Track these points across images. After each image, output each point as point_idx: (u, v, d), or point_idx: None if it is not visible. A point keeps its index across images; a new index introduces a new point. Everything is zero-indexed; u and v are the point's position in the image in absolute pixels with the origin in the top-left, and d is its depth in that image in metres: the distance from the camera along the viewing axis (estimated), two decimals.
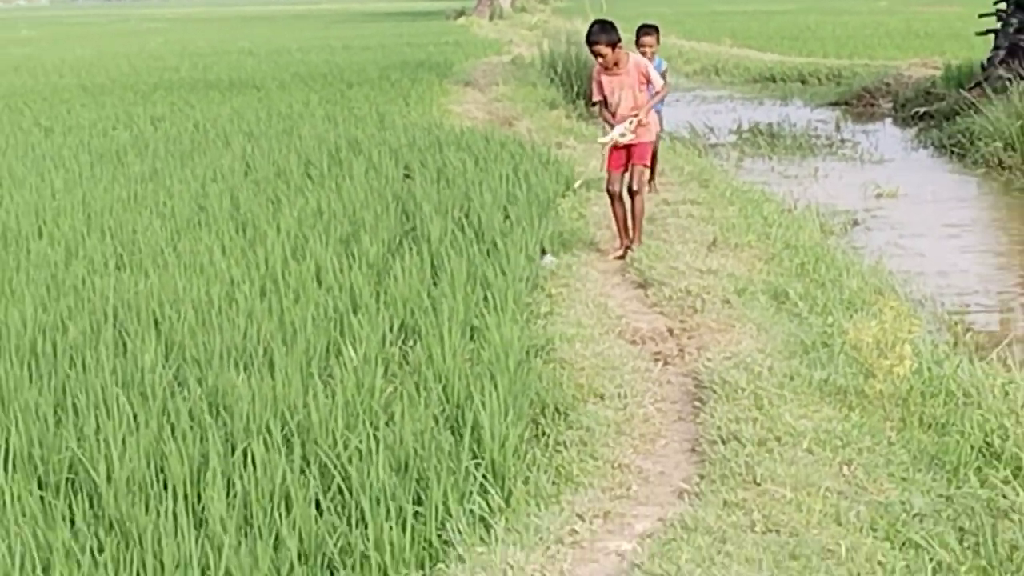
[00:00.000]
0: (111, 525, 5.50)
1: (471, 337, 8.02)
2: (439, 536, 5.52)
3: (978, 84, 21.85)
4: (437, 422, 6.47)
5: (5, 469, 6.00)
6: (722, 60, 35.94)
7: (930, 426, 6.93)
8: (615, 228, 11.18)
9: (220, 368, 7.22)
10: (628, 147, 10.87)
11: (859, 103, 26.67)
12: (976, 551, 5.38)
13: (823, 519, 5.60)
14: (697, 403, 7.22)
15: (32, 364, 7.51)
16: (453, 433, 6.36)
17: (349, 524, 5.55)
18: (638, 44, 13.73)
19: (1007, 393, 7.25)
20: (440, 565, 5.29)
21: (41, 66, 36.03)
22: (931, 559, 5.23)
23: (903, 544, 5.45)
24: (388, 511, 5.51)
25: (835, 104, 26.90)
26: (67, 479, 6.01)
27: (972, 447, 6.53)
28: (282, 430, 6.35)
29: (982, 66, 23.22)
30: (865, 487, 6.01)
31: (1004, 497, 5.80)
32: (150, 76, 30.21)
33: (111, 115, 21.36)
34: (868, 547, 5.31)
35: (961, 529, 5.60)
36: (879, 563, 5.17)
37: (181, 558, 5.13)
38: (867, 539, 5.43)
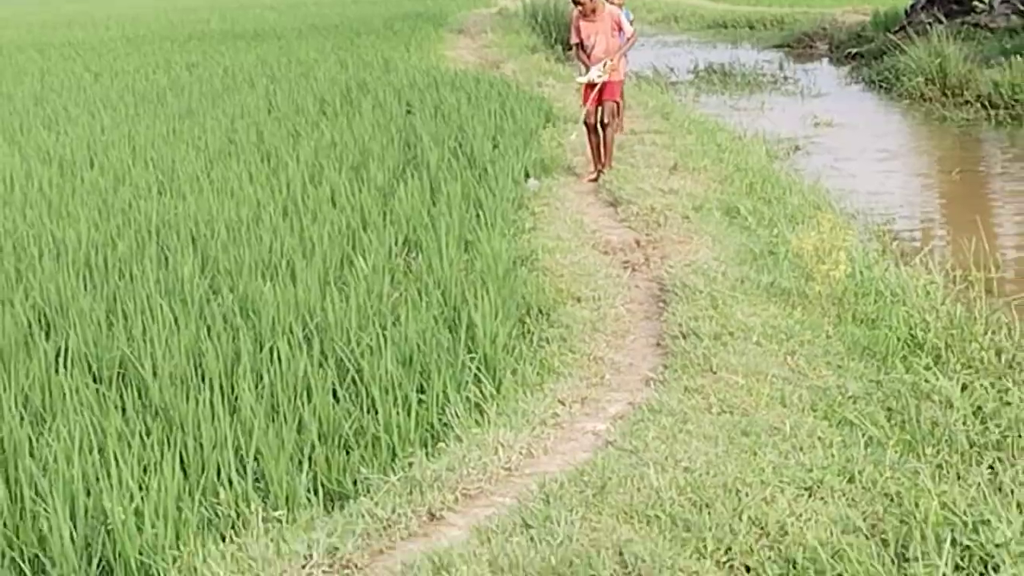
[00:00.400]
0: (157, 413, 5.49)
1: (465, 249, 7.96)
2: (440, 420, 5.51)
3: (903, 28, 21.68)
4: (437, 322, 6.44)
5: (65, 366, 5.98)
6: (680, 9, 35.62)
7: (862, 321, 6.92)
8: (589, 155, 11.08)
9: (249, 278, 7.18)
10: (601, 85, 10.76)
11: (799, 45, 26.49)
12: (902, 427, 5.38)
13: (770, 401, 5.58)
14: (661, 304, 7.18)
15: (87, 276, 7.47)
16: (451, 332, 6.33)
17: (362, 410, 5.54)
18: None
19: (928, 292, 7.25)
20: (441, 444, 5.28)
21: (91, 20, 35.60)
22: (863, 434, 5.22)
23: (839, 422, 5.44)
24: (396, 399, 5.50)
25: (779, 47, 26.70)
26: (118, 374, 5.98)
27: (898, 339, 6.53)
28: (303, 330, 6.32)
29: (906, 12, 23.05)
30: (806, 374, 6.00)
31: (926, 381, 5.79)
32: (185, 28, 29.84)
33: (152, 62, 21.11)
34: (809, 425, 5.30)
35: (889, 409, 5.59)
36: (819, 438, 5.16)
37: (217, 440, 5.11)
38: (808, 418, 5.42)
